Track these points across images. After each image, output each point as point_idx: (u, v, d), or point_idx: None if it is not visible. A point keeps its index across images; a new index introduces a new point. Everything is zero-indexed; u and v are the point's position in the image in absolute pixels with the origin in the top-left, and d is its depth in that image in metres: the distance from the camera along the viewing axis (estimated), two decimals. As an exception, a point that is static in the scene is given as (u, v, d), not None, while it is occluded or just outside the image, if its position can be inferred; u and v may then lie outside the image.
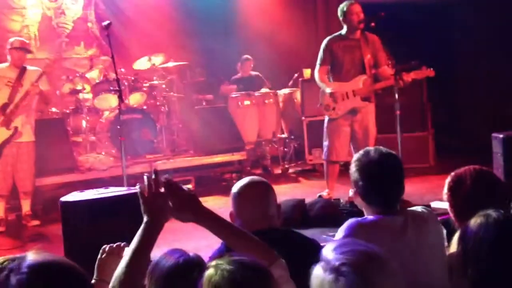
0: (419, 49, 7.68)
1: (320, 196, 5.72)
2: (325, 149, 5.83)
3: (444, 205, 2.44)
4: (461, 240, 1.70)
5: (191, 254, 1.89)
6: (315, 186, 6.88)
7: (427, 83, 7.36)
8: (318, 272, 1.34)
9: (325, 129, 5.81)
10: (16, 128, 5.56)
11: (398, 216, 2.29)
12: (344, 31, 5.71)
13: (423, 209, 2.37)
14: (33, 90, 5.59)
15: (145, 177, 1.89)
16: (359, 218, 2.33)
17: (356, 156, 2.40)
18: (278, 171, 7.88)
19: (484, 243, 1.61)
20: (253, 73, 8.58)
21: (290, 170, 7.89)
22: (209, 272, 1.45)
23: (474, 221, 1.68)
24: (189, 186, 6.67)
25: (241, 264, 1.45)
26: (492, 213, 1.67)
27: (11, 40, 5.84)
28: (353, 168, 2.37)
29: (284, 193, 6.25)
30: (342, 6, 5.66)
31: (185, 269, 1.81)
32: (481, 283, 1.60)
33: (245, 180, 2.42)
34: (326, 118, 5.79)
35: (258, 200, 2.34)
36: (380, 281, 1.30)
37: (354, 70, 5.63)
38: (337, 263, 1.31)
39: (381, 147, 2.40)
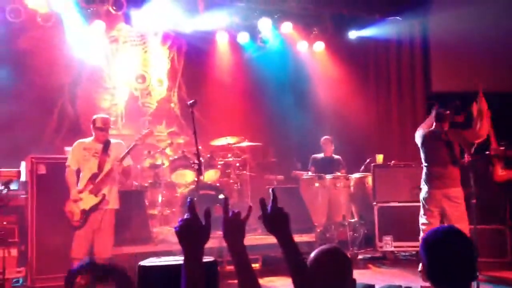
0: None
1: None
2: None
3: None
4: None
5: None
6: (384, 274, 6.73)
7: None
8: None
9: None
10: (104, 195, 5.86)
11: None
12: None
13: None
14: (117, 168, 5.91)
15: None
16: None
17: (425, 235, 2.31)
18: (346, 256, 7.72)
19: None
20: (335, 156, 8.68)
21: (359, 256, 7.73)
22: None
23: None
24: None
25: None
26: None
27: (94, 117, 6.13)
28: (420, 247, 2.28)
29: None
30: None
31: None
32: None
33: (325, 247, 2.33)
34: None
35: (336, 270, 2.26)
36: None
37: None
38: None
39: (452, 226, 2.34)
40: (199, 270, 2.00)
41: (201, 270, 2.02)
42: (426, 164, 6.41)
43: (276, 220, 2.28)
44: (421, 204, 6.41)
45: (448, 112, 5.96)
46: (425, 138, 6.41)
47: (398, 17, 9.79)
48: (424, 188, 6.38)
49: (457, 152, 6.21)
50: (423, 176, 6.42)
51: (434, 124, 6.39)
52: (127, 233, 6.48)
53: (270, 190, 2.30)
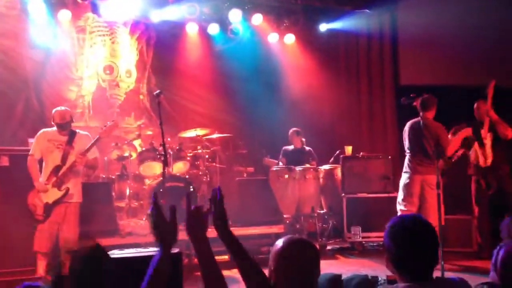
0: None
1: None
2: None
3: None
4: None
5: None
6: (352, 264, 6.77)
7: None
8: None
9: None
10: (67, 189, 5.75)
11: (431, 284, 2.19)
12: None
13: (459, 279, 2.30)
14: (81, 161, 5.76)
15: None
16: (390, 286, 2.28)
17: (390, 222, 2.37)
18: (315, 247, 7.77)
19: None
20: (307, 148, 8.64)
21: (328, 247, 7.77)
22: None
23: None
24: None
25: None
26: None
27: (53, 112, 5.95)
28: (385, 234, 2.31)
29: (320, 269, 6.15)
30: None
31: None
32: None
33: (293, 238, 2.25)
34: None
35: (306, 264, 2.20)
36: None
37: None
38: None
39: (416, 214, 2.37)
40: (167, 267, 2.15)
41: (169, 267, 2.17)
42: (409, 152, 6.52)
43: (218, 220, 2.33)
44: (400, 190, 6.53)
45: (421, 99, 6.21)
46: (409, 128, 6.55)
47: (367, 10, 9.85)
48: (405, 174, 6.51)
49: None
50: (406, 163, 6.56)
51: (420, 114, 6.45)
52: (93, 226, 6.36)
53: (212, 191, 2.39)
